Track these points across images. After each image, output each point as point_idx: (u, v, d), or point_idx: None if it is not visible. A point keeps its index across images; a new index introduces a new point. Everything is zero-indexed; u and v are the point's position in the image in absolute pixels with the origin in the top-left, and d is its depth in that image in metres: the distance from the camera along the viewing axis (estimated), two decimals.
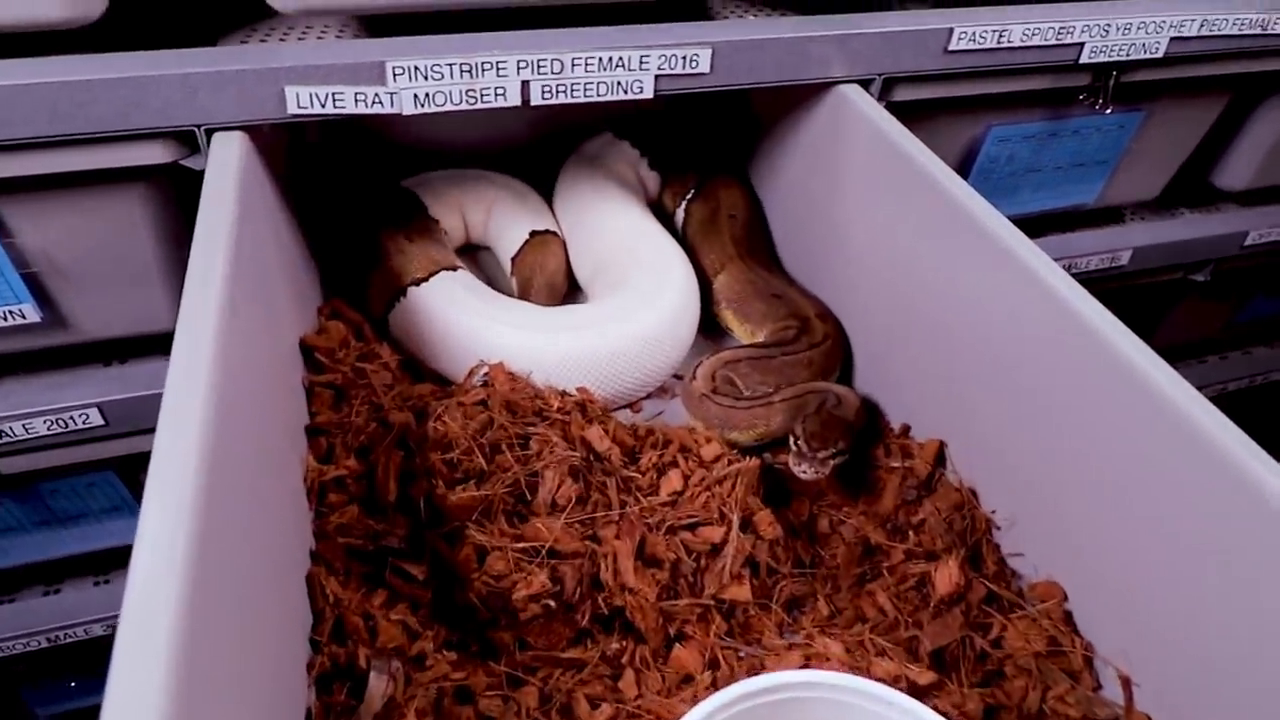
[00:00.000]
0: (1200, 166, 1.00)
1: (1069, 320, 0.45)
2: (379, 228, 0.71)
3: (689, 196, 0.80)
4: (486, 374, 0.60)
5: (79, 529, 0.80)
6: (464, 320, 0.63)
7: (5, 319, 0.61)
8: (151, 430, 0.70)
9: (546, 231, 0.76)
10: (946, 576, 0.50)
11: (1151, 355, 0.42)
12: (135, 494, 0.79)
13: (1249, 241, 1.00)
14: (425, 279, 0.65)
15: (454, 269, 0.68)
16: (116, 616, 0.85)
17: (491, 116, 0.80)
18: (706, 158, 0.82)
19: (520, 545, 0.48)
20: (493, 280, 0.79)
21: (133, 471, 0.78)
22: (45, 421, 0.65)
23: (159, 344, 0.69)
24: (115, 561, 0.84)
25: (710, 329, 0.73)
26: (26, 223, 0.58)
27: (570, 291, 0.76)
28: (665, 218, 0.81)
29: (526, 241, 0.74)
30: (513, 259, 0.75)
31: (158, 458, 0.35)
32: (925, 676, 0.45)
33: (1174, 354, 1.14)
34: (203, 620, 0.30)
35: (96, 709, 0.89)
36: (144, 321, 0.66)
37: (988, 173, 0.84)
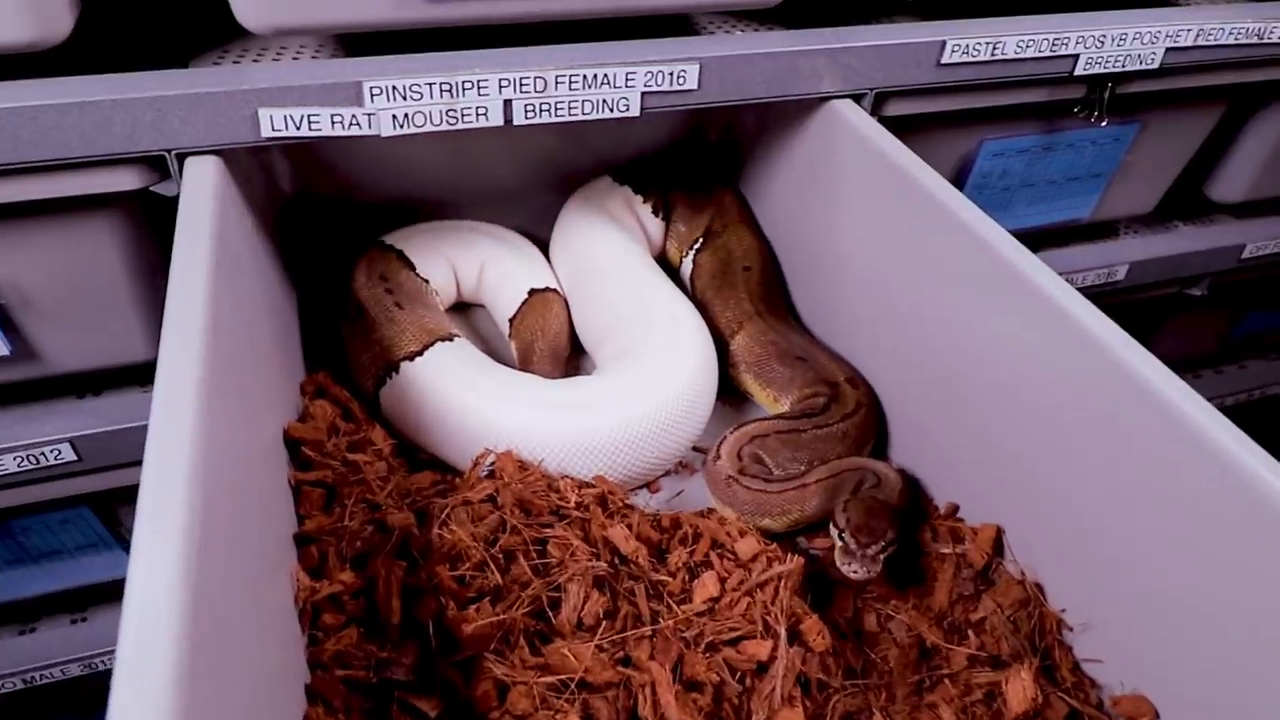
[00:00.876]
0: (1195, 179, 0.98)
1: (1110, 366, 0.42)
2: (363, 292, 0.64)
3: (696, 246, 0.75)
4: (493, 463, 0.54)
5: (53, 566, 0.76)
6: (464, 399, 0.57)
7: None
8: (126, 464, 0.66)
9: (546, 289, 0.70)
10: (1019, 690, 0.45)
11: (1213, 411, 0.38)
12: (111, 529, 0.75)
13: (1246, 254, 0.98)
14: (419, 352, 0.59)
15: (450, 338, 0.61)
16: (93, 656, 0.79)
17: (476, 164, 0.76)
18: (712, 198, 0.77)
19: (546, 679, 0.42)
20: (489, 340, 0.74)
21: (108, 506, 0.74)
22: (15, 458, 0.63)
23: (133, 375, 0.67)
24: (92, 598, 0.81)
25: (728, 392, 0.67)
26: None
27: (574, 354, 0.70)
28: (671, 270, 0.76)
29: (525, 301, 0.68)
30: (510, 320, 0.69)
31: (133, 584, 0.30)
32: None
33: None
34: None
35: None
36: (117, 353, 0.63)
37: (981, 187, 0.81)
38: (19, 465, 0.62)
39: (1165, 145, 0.87)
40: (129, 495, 0.72)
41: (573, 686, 0.42)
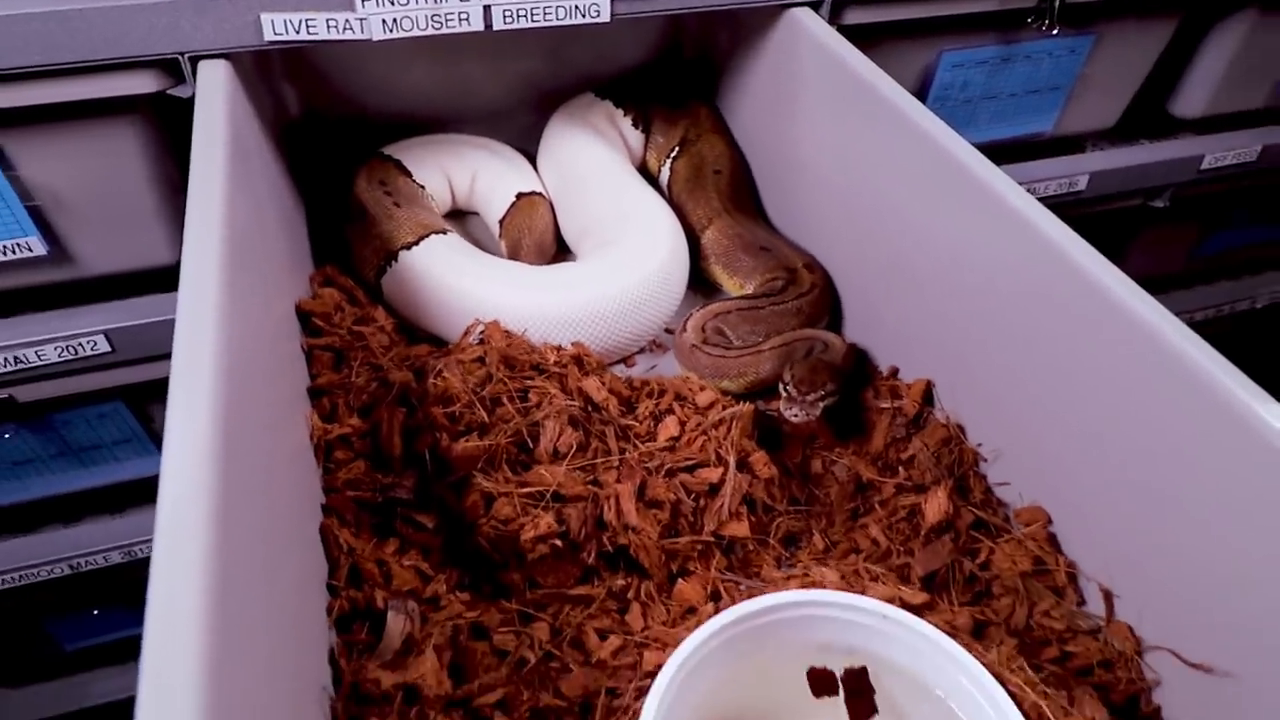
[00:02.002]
0: (1157, 96, 1.03)
1: (1040, 249, 0.47)
2: (364, 195, 0.71)
3: (672, 155, 0.81)
4: (482, 332, 0.61)
5: (93, 462, 0.83)
6: (456, 281, 0.64)
7: (13, 251, 0.64)
8: (157, 358, 0.73)
9: (533, 193, 0.76)
10: (936, 506, 0.52)
11: (1124, 279, 0.44)
12: (144, 425, 0.82)
13: (1205, 165, 1.02)
14: (415, 243, 0.66)
15: (443, 232, 0.68)
16: (133, 544, 0.86)
17: (468, 85, 0.82)
18: (688, 111, 0.83)
19: (526, 490, 0.50)
20: (481, 245, 0.80)
21: (141, 402, 0.80)
22: (56, 348, 0.69)
23: (159, 279, 0.72)
24: (130, 496, 0.87)
25: (699, 284, 0.74)
26: (27, 155, 0.61)
27: (559, 252, 0.77)
28: (651, 179, 0.82)
29: (513, 204, 0.75)
30: (500, 221, 0.75)
31: (173, 416, 0.36)
32: (918, 597, 0.47)
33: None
34: (228, 570, 0.31)
35: (120, 641, 0.91)
36: (144, 256, 0.70)
37: (943, 100, 0.85)
38: (59, 355, 0.69)
39: (1122, 58, 0.92)
40: (159, 391, 0.80)
41: (548, 497, 0.50)
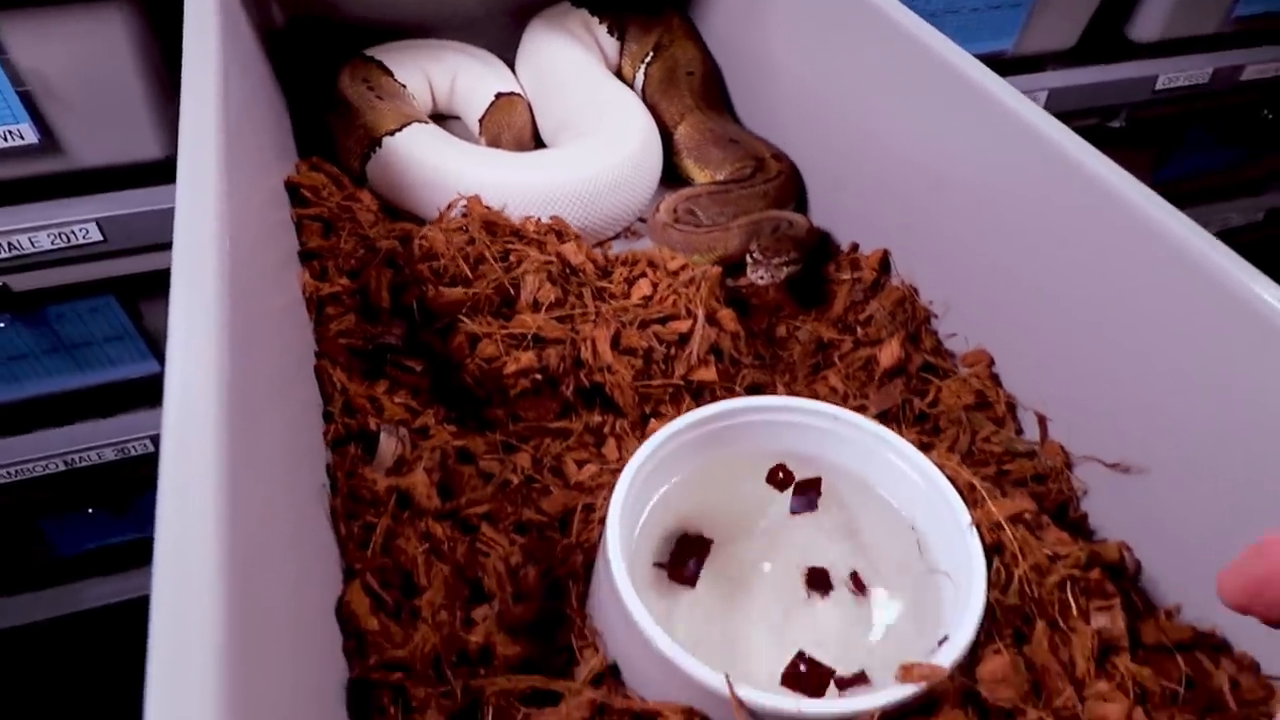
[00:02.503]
0: (1114, 20, 1.07)
1: (980, 106, 0.51)
2: (348, 90, 0.73)
3: (647, 60, 0.84)
4: (464, 207, 0.64)
5: (85, 362, 0.86)
6: (438, 163, 0.67)
7: (5, 139, 0.66)
8: (147, 249, 0.75)
9: (512, 93, 0.79)
10: (889, 353, 0.56)
11: (1061, 128, 0.48)
12: (135, 322, 0.84)
13: (1159, 86, 1.07)
14: (398, 129, 0.69)
15: (424, 122, 0.71)
16: (128, 441, 0.89)
17: None
18: (661, 19, 0.86)
19: (507, 332, 0.53)
20: None
21: (132, 297, 0.83)
22: (49, 235, 0.72)
23: (148, 173, 0.74)
24: (121, 399, 0.90)
25: (673, 179, 0.77)
26: (18, 38, 0.63)
27: (536, 149, 0.80)
28: (626, 84, 0.85)
29: (493, 103, 0.78)
30: (480, 120, 0.78)
31: (178, 269, 0.37)
32: None
33: None
34: (236, 398, 0.34)
35: (113, 547, 0.95)
36: (132, 150, 0.72)
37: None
38: (52, 243, 0.72)
39: None
40: (149, 287, 0.83)
41: (529, 338, 0.53)
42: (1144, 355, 0.45)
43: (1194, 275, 0.42)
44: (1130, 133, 1.12)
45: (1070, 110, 1.06)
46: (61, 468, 0.88)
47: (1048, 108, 1.05)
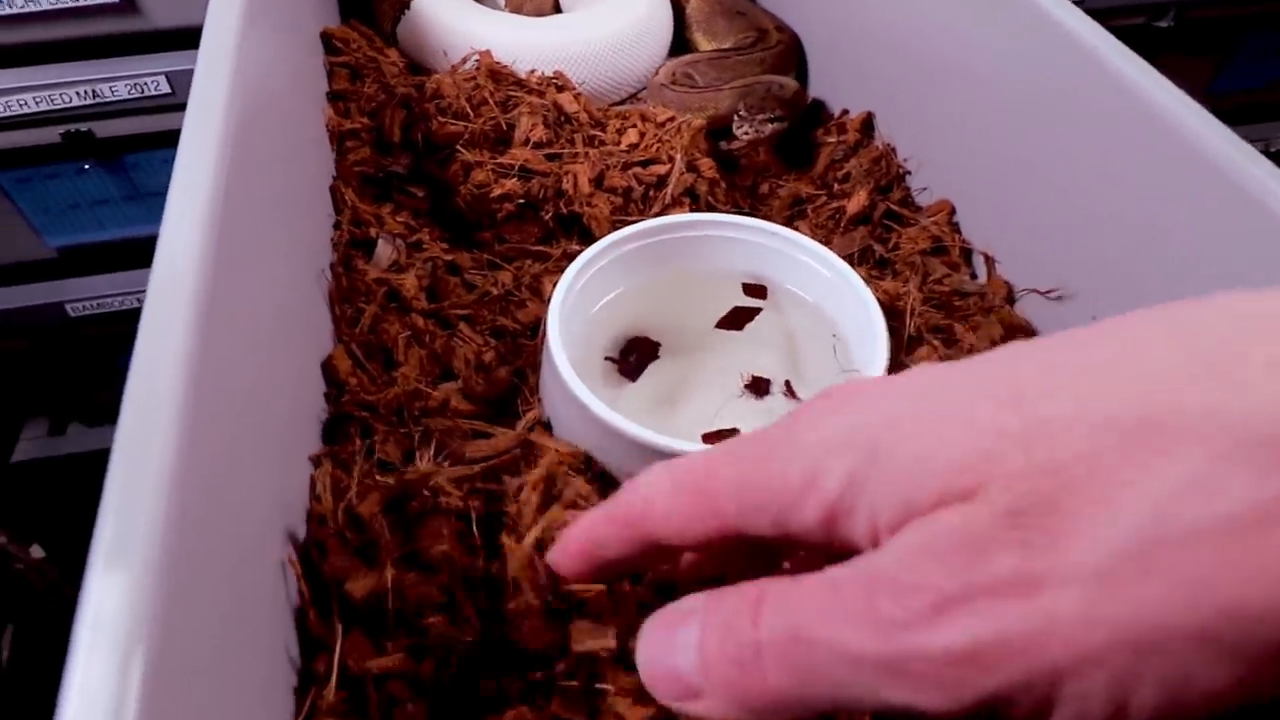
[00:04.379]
0: None
1: None
2: None
3: None
4: (476, 60, 0.69)
5: (159, 210, 0.95)
6: (458, 25, 0.72)
7: None
8: None
9: None
10: (856, 202, 0.60)
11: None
12: None
13: None
14: None
15: None
16: None
17: None
18: None
19: (498, 162, 0.59)
20: None
21: None
22: (125, 85, 0.80)
23: None
24: None
25: (683, 52, 0.81)
26: None
27: None
28: None
29: None
30: None
31: (194, 95, 0.42)
32: None
33: None
34: (237, 197, 0.40)
35: None
36: (199, 14, 0.77)
37: None
38: (128, 92, 0.81)
39: None
40: None
41: (516, 169, 0.59)
42: (1097, 206, 0.48)
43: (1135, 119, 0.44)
44: (1181, 34, 1.10)
45: (1113, 7, 1.04)
46: (136, 305, 0.98)
47: (1086, 4, 1.04)
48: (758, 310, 0.52)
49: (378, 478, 0.41)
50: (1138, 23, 1.09)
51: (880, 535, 0.19)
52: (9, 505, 1.15)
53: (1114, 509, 0.16)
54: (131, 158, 0.88)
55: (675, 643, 0.20)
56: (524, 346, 0.53)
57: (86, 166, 0.86)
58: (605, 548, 0.25)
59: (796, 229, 0.62)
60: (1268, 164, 0.39)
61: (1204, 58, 1.21)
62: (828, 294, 0.50)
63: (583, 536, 0.25)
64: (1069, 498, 0.16)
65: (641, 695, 0.31)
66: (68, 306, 0.95)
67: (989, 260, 0.56)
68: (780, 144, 0.69)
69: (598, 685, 0.34)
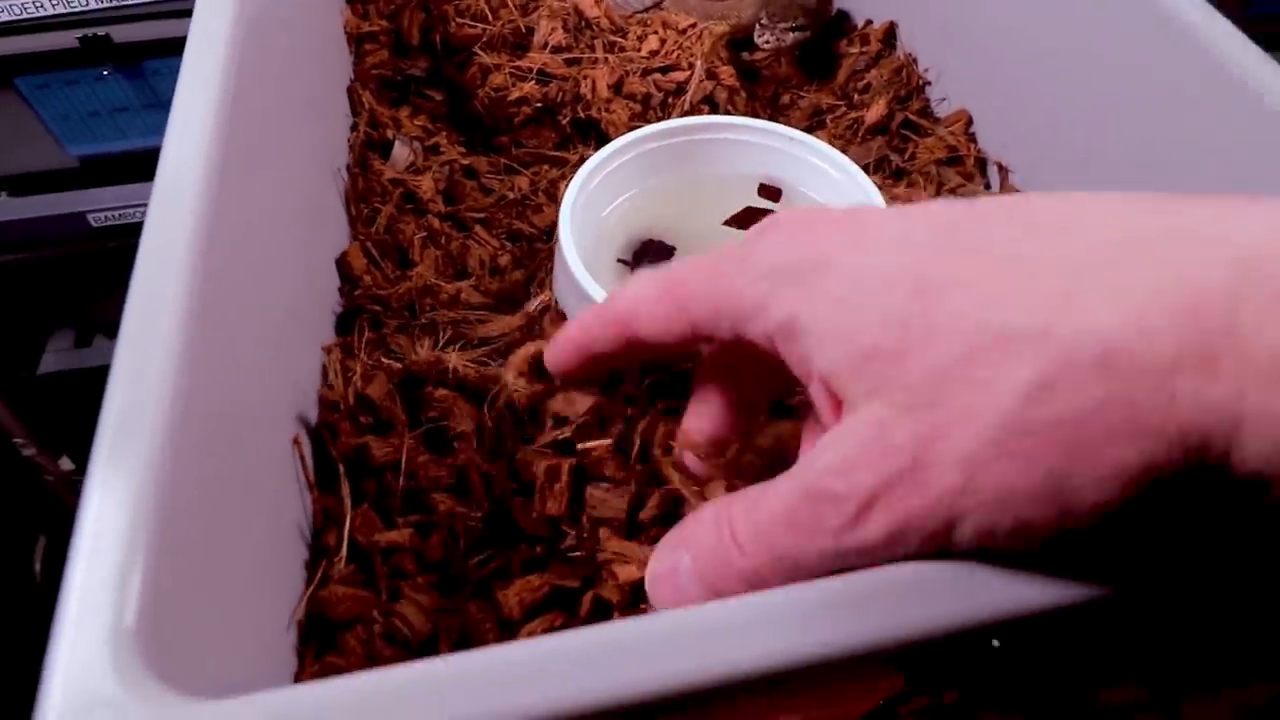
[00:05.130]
0: None
1: None
2: None
3: None
4: None
5: None
6: None
7: None
8: None
9: None
10: (875, 112, 0.59)
11: None
12: None
13: None
14: None
15: None
16: None
17: None
18: None
19: (516, 64, 0.59)
20: None
21: None
22: None
23: None
24: None
25: None
26: None
27: None
28: None
29: None
30: None
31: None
32: None
33: None
34: (244, 97, 0.40)
35: None
36: None
37: None
38: None
39: None
40: None
41: (534, 73, 0.58)
42: (1110, 118, 0.47)
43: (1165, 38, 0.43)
44: None
45: None
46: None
47: None
48: (769, 212, 0.51)
49: (383, 360, 0.42)
50: None
51: (809, 377, 0.24)
52: (37, 417, 1.18)
53: (980, 405, 0.20)
54: (151, 64, 0.88)
55: (679, 562, 0.25)
56: (539, 250, 0.53)
57: (105, 73, 0.86)
58: (596, 343, 0.29)
59: (816, 136, 0.62)
60: None
61: None
62: (839, 197, 0.49)
63: (576, 332, 0.29)
64: (950, 394, 0.20)
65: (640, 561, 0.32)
66: (90, 217, 0.96)
67: (1002, 170, 0.55)
68: (803, 55, 0.68)
69: (599, 554, 0.35)
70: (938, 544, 0.21)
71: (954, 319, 0.21)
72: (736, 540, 0.24)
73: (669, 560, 0.25)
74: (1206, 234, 0.19)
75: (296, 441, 0.37)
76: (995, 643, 0.23)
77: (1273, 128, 0.37)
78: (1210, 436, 0.18)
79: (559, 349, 0.30)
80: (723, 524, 0.24)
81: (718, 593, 0.24)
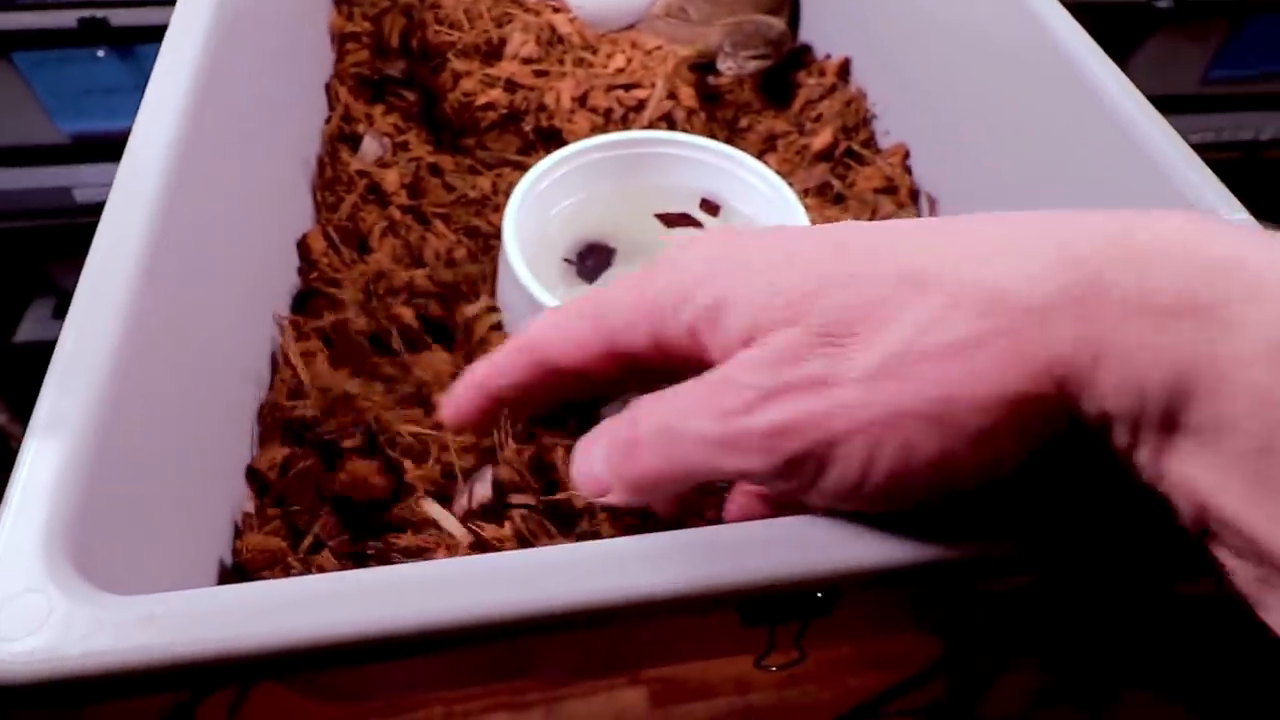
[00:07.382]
0: None
1: None
2: None
3: None
4: None
5: None
6: None
7: None
8: None
9: None
10: (821, 139, 0.63)
11: None
12: None
13: None
14: None
15: None
16: None
17: None
18: None
19: (486, 72, 0.62)
20: None
21: None
22: None
23: None
24: None
25: None
26: None
27: None
28: None
29: None
30: None
31: None
32: None
33: None
34: (217, 84, 0.44)
35: None
36: None
37: None
38: None
39: None
40: None
41: (502, 81, 0.62)
42: (1033, 169, 0.51)
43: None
44: (1180, 15, 1.10)
45: None
46: None
47: None
48: (700, 224, 0.55)
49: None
50: (1138, 1, 1.10)
51: (731, 348, 0.24)
52: (12, 385, 1.19)
53: (883, 334, 0.22)
54: (144, 48, 0.91)
55: (591, 454, 0.27)
56: (493, 247, 0.57)
57: (101, 54, 0.89)
58: (505, 377, 0.28)
59: (767, 162, 0.65)
60: (1186, 148, 0.41)
61: (1203, 43, 1.21)
62: (771, 214, 0.53)
63: (481, 372, 0.29)
64: (860, 325, 0.23)
65: None
66: (75, 192, 0.99)
67: (931, 201, 0.59)
68: (765, 83, 0.72)
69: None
70: (814, 462, 0.23)
71: (873, 268, 0.23)
72: (633, 417, 0.26)
73: (588, 448, 0.27)
74: (1080, 223, 0.23)
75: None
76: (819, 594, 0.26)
77: (1152, 175, 0.41)
78: (1074, 367, 0.21)
79: (459, 396, 0.29)
80: (632, 410, 0.26)
81: (620, 476, 0.26)
